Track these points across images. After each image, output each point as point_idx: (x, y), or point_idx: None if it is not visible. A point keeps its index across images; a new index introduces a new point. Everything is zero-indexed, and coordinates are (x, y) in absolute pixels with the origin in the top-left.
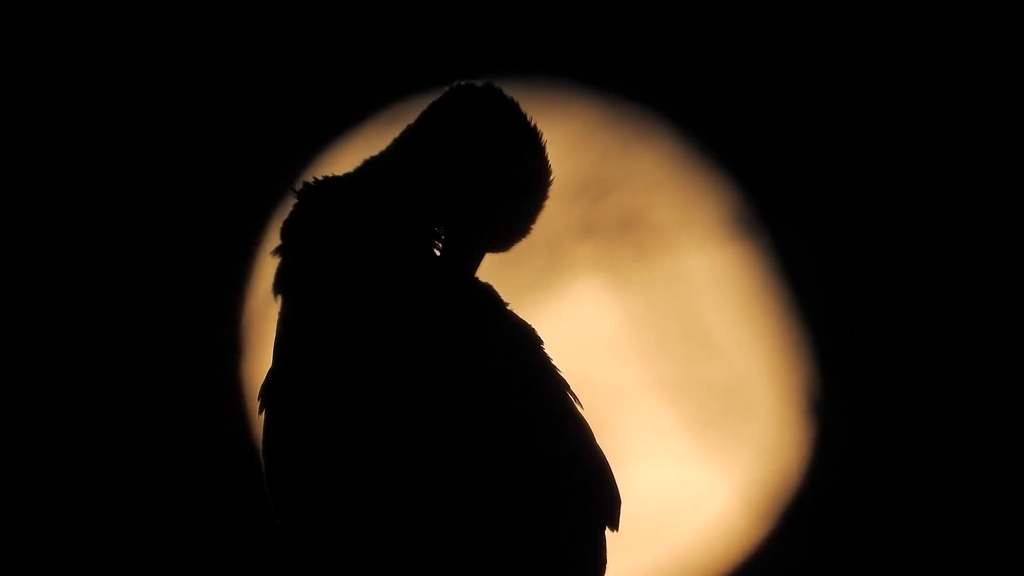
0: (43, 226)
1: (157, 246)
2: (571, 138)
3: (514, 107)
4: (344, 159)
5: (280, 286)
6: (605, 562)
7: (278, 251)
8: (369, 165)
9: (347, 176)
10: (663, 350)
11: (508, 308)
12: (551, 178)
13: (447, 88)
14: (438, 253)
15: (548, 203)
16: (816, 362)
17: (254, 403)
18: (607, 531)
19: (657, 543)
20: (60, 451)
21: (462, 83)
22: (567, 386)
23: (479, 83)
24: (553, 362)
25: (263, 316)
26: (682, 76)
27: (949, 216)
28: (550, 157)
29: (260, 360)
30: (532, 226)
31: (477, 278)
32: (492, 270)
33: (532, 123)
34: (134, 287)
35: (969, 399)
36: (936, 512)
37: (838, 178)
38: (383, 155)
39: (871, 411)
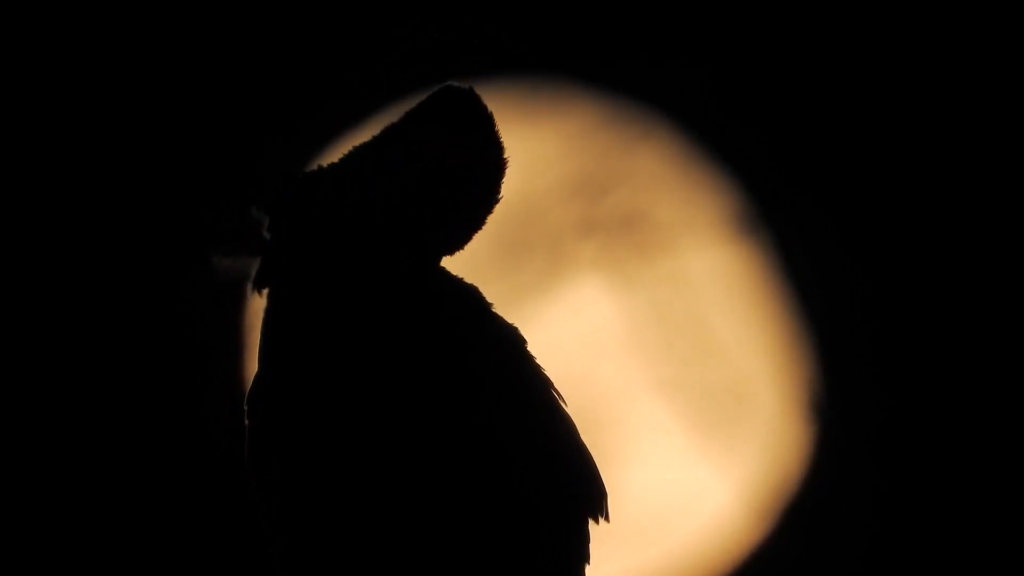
0: (43, 225)
1: (157, 246)
2: (572, 136)
3: (479, 107)
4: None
5: (260, 285)
6: (589, 554)
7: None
8: (352, 157)
9: (330, 168)
10: (664, 349)
11: (492, 308)
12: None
13: (435, 88)
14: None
15: (549, 201)
16: (818, 361)
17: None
18: (598, 523)
19: (658, 542)
20: (60, 451)
21: (448, 84)
22: (551, 384)
23: (459, 84)
24: (537, 361)
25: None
26: (684, 74)
27: (953, 215)
28: (549, 156)
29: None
30: (480, 225)
31: (461, 278)
32: (493, 269)
33: (493, 125)
34: (134, 287)
35: (972, 398)
36: (938, 512)
37: (841, 176)
38: (367, 148)
39: (873, 411)
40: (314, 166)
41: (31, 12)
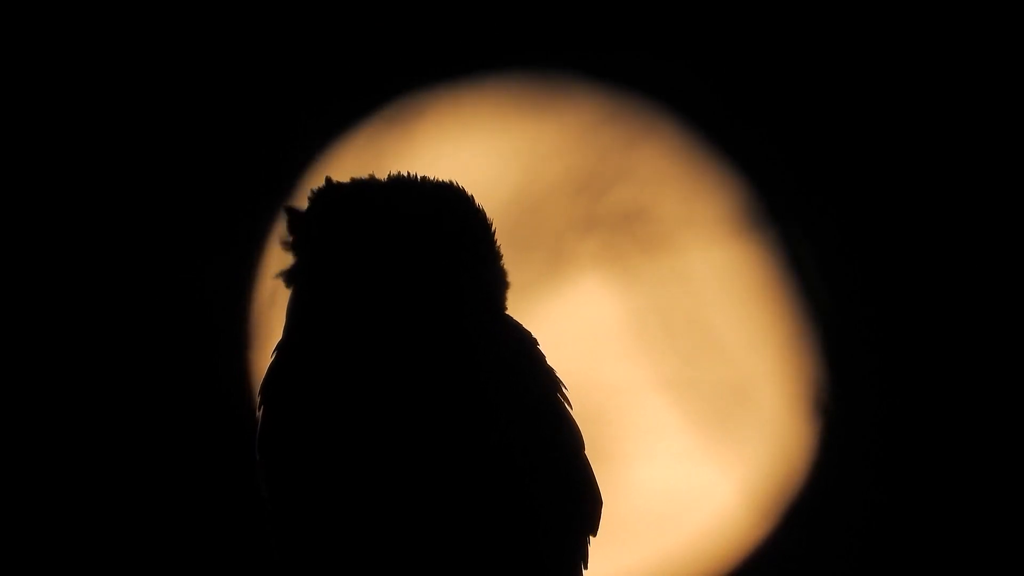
0: (57, 221)
1: (165, 242)
2: (575, 132)
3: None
4: (349, 155)
5: (293, 280)
6: (587, 558)
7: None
8: (398, 192)
9: (376, 188)
10: (668, 347)
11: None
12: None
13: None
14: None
15: (551, 197)
16: (823, 359)
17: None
18: (591, 535)
19: (661, 540)
20: (68, 444)
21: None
22: (559, 387)
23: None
24: (546, 361)
25: (270, 310)
26: (688, 69)
27: (959, 213)
28: (552, 151)
29: (266, 352)
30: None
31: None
32: None
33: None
34: (142, 283)
35: (978, 397)
36: (943, 511)
37: (847, 173)
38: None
39: (878, 409)
40: (357, 177)
41: (35, 14)
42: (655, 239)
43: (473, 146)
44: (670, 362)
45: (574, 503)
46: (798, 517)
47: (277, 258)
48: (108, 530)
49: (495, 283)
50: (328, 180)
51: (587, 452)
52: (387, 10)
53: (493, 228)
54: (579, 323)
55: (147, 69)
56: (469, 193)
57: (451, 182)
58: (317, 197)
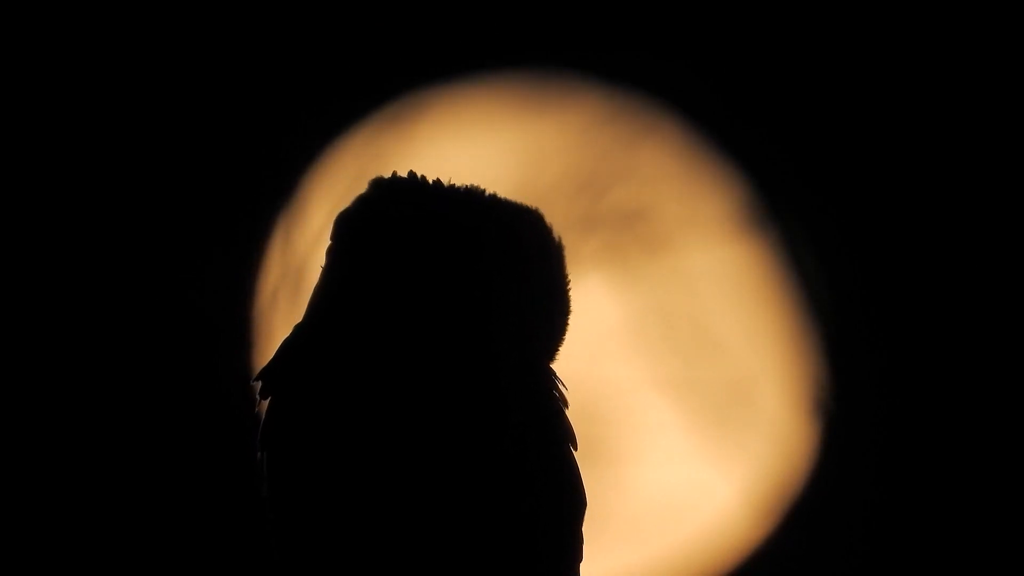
0: (50, 223)
1: (165, 241)
2: (576, 131)
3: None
4: (349, 155)
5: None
6: (581, 556)
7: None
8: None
9: (421, 191)
10: (668, 347)
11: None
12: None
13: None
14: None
15: (552, 196)
16: (824, 359)
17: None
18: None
19: (661, 541)
20: (68, 444)
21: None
22: (554, 384)
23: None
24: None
25: (270, 310)
26: (690, 68)
27: (962, 212)
28: (553, 150)
29: (266, 352)
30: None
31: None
32: None
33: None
34: (142, 283)
35: (978, 397)
36: (943, 511)
37: (849, 172)
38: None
39: (880, 409)
40: (403, 174)
41: (34, 14)
42: (656, 239)
43: (473, 146)
44: (670, 362)
45: (561, 503)
46: (798, 517)
47: (277, 258)
48: (108, 530)
49: (544, 309)
50: (395, 174)
51: (587, 452)
52: (387, 10)
53: (560, 253)
54: (579, 323)
55: (147, 69)
56: (539, 217)
57: (528, 207)
58: (380, 190)
